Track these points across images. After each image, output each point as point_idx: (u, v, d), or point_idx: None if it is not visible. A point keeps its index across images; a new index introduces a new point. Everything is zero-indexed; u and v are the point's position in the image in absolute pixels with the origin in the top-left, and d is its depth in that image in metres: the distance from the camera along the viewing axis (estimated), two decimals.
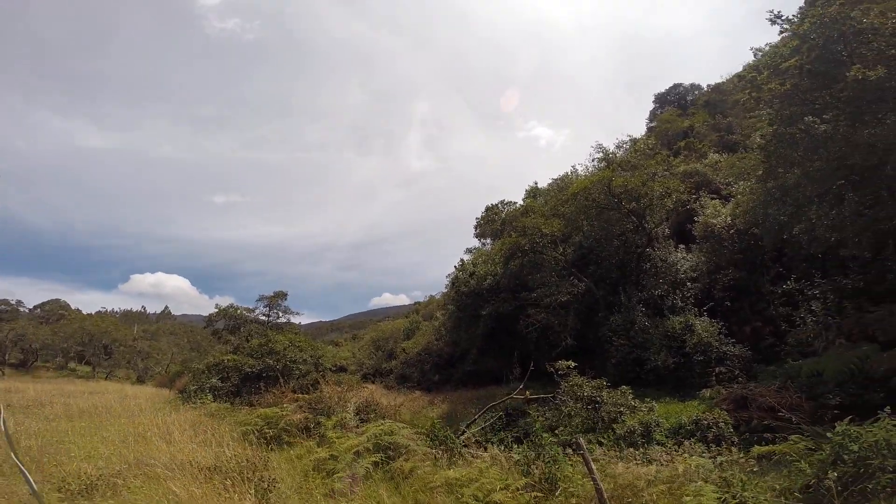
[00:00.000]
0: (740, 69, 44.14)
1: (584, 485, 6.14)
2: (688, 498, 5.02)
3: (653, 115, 52.15)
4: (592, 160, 29.76)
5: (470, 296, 27.48)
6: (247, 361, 24.29)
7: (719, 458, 7.30)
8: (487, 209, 36.60)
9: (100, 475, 7.66)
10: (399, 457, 8.51)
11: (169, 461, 8.46)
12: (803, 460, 5.93)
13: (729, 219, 20.92)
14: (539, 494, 5.99)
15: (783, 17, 12.65)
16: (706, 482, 5.91)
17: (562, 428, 13.87)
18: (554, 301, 22.41)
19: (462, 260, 30.37)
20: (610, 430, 12.11)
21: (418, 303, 51.52)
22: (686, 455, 8.09)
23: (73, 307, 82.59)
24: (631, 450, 9.11)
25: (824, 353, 14.58)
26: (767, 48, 18.55)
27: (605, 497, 5.34)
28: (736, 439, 9.18)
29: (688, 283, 21.75)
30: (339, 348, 56.16)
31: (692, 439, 10.36)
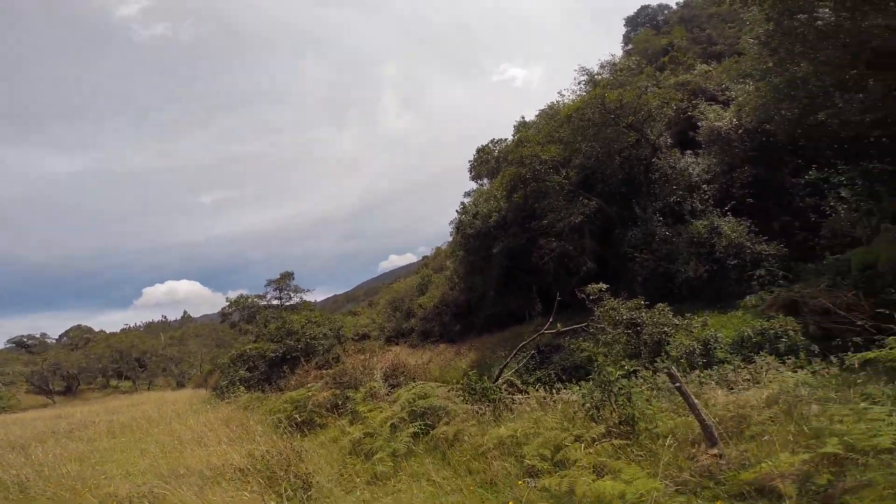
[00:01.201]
0: None
1: (671, 422, 5.14)
2: (855, 420, 3.92)
3: (626, 39, 49.25)
4: (578, 83, 28.40)
5: (478, 237, 26.28)
6: (268, 347, 23.85)
7: (805, 371, 6.32)
8: (479, 150, 34.73)
9: (129, 495, 6.96)
10: (439, 421, 7.63)
11: (204, 466, 7.77)
12: None
13: (735, 120, 19.62)
14: (622, 442, 5.00)
15: None
16: (824, 401, 4.88)
17: (602, 358, 13.01)
18: (566, 225, 21.42)
19: (463, 203, 28.91)
20: (663, 354, 11.06)
21: (426, 257, 50.53)
22: (771, 371, 7.05)
23: (96, 329, 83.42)
24: (698, 372, 8.09)
25: (871, 240, 13.36)
26: None
27: (714, 432, 4.33)
28: (816, 348, 8.06)
29: (703, 186, 20.36)
30: (359, 317, 56.21)
31: (761, 353, 9.30)
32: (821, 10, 10.93)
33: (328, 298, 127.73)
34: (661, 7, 49.28)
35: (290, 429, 9.22)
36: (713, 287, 17.60)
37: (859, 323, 11.17)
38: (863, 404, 4.06)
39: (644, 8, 50.53)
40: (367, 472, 6.37)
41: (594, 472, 4.56)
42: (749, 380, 7.19)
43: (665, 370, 4.80)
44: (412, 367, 13.77)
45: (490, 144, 34.65)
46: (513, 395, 12.90)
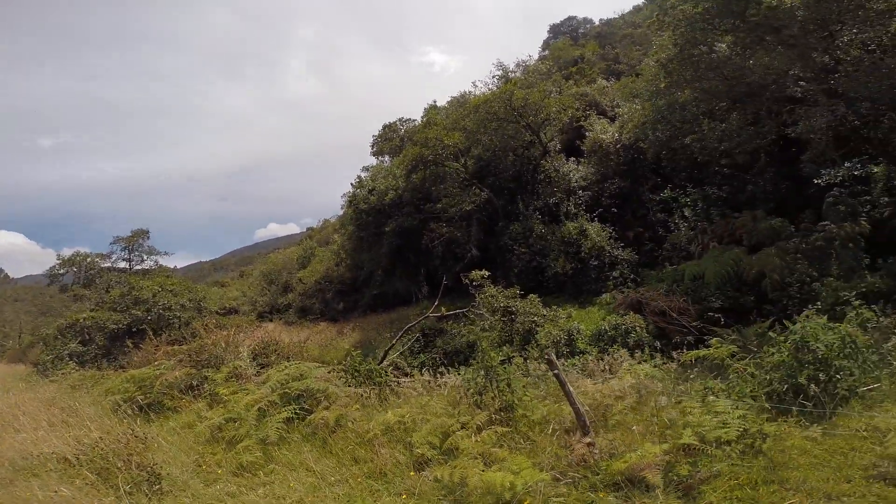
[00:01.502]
0: (630, 8, 47.84)
1: (544, 409, 5.42)
2: (695, 415, 4.45)
3: (546, 45, 52.09)
4: (493, 77, 29.45)
5: (371, 213, 25.65)
6: (109, 317, 20.28)
7: (650, 364, 7.27)
8: (385, 127, 33.79)
9: None
10: (317, 405, 7.12)
11: (17, 454, 6.22)
12: (756, 365, 5.78)
13: (616, 135, 21.92)
14: (504, 429, 5.12)
15: None
16: (668, 394, 5.58)
17: (485, 343, 13.63)
18: (458, 211, 22.27)
19: (360, 177, 27.83)
20: (532, 342, 11.91)
21: (311, 229, 47.66)
22: (625, 363, 7.93)
23: None
24: (562, 361, 8.81)
25: (701, 255, 16.01)
26: None
27: (587, 421, 4.62)
28: (658, 344, 9.37)
29: (579, 192, 22.45)
30: (226, 288, 50.83)
31: (615, 345, 10.52)
32: (718, 44, 12.65)
33: (191, 265, 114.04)
34: (585, 20, 53.54)
35: (132, 413, 7.81)
36: (576, 283, 19.67)
37: (686, 324, 13.47)
38: (711, 397, 4.71)
39: (570, 18, 54.32)
40: (230, 462, 5.64)
41: (481, 460, 4.62)
42: (606, 370, 8.10)
43: (545, 357, 5.02)
44: (287, 345, 12.77)
45: (398, 122, 33.90)
46: (398, 377, 12.82)
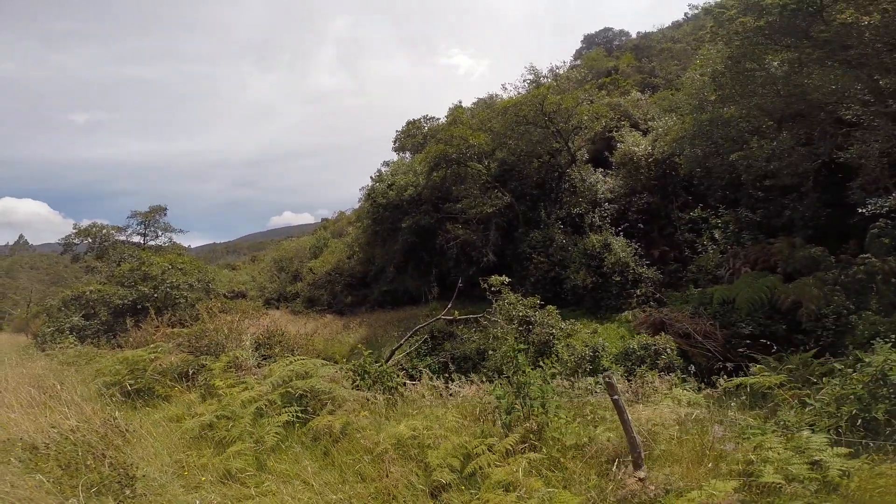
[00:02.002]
0: (668, 23, 46.66)
1: (578, 432, 4.58)
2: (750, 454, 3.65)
3: (578, 55, 51.14)
4: (524, 81, 28.70)
5: (388, 208, 24.86)
6: (116, 291, 19.71)
7: (685, 388, 6.44)
8: (409, 123, 33.16)
9: None
10: (322, 408, 6.34)
11: None
12: (815, 396, 5.03)
13: (649, 148, 21.08)
14: (536, 455, 4.29)
15: None
16: (722, 423, 4.72)
17: (492, 353, 12.76)
18: (478, 213, 21.32)
19: (380, 170, 27.15)
20: (553, 356, 11.00)
21: (326, 219, 47.14)
22: (658, 386, 7.06)
23: None
24: (591, 380, 7.93)
25: (731, 280, 15.02)
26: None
27: (641, 453, 3.81)
28: (692, 367, 8.47)
29: (605, 204, 21.54)
30: (237, 272, 50.59)
31: (643, 366, 9.62)
32: (774, 60, 11.96)
33: (205, 246, 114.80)
34: (621, 32, 52.10)
35: (117, 399, 7.11)
36: (595, 297, 18.68)
37: (711, 349, 12.50)
38: (805, 432, 3.92)
39: (605, 30, 53.03)
40: (217, 468, 4.88)
41: (513, 491, 3.81)
42: (635, 392, 7.24)
43: (605, 378, 4.20)
44: (293, 335, 12.06)
45: (422, 120, 33.23)
46: (405, 381, 11.97)
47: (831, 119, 12.72)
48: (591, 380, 8.06)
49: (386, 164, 30.36)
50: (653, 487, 3.89)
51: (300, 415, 5.96)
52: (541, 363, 11.69)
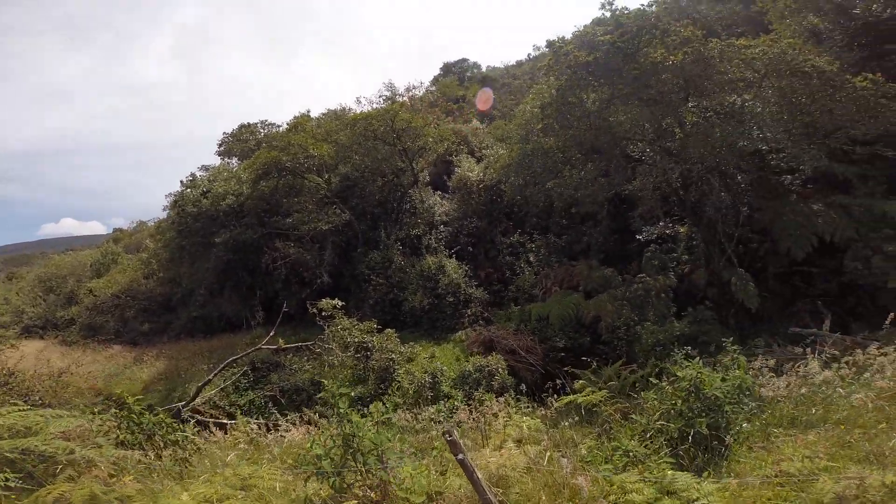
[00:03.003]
0: (512, 62, 52.34)
1: (426, 485, 3.98)
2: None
3: (435, 80, 53.65)
4: (380, 97, 28.29)
5: (200, 219, 21.03)
6: None
7: (516, 409, 6.56)
8: (241, 126, 29.11)
9: None
10: (56, 475, 4.42)
11: None
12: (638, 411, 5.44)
13: (481, 174, 22.61)
14: None
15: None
16: (566, 453, 4.71)
17: (328, 382, 11.47)
18: (312, 229, 19.72)
19: (193, 175, 22.93)
20: (394, 384, 10.32)
21: (119, 230, 38.04)
22: (503, 412, 6.99)
23: None
24: (432, 409, 7.50)
25: (544, 298, 16.90)
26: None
27: None
28: (524, 387, 8.78)
29: (441, 227, 22.30)
30: None
31: (479, 388, 9.67)
32: (587, 95, 13.32)
33: None
34: (474, 65, 55.96)
35: None
36: (431, 318, 18.91)
37: (533, 363, 13.69)
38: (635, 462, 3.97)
39: (462, 60, 56.38)
40: None
41: None
42: (478, 420, 7.12)
43: (445, 434, 3.69)
44: (33, 376, 8.75)
45: (259, 125, 29.65)
46: (218, 419, 9.88)
47: (623, 154, 14.93)
48: (432, 409, 7.63)
49: (204, 168, 26.08)
50: None
51: (11, 486, 3.95)
52: (383, 392, 10.90)
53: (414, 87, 30.91)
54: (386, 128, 20.08)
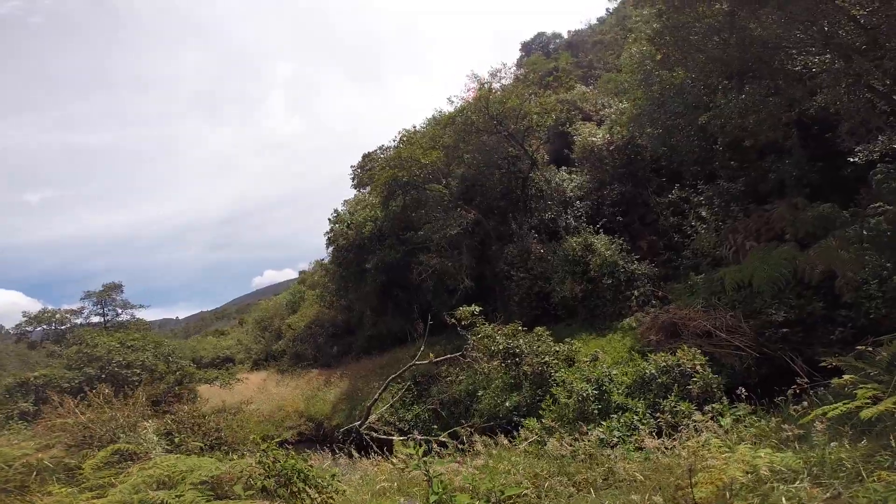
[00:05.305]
0: (594, 20, 47.15)
1: None
2: None
3: (520, 63, 51.25)
4: (468, 90, 26.71)
5: (350, 249, 22.57)
6: (63, 375, 17.56)
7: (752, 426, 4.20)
8: (364, 156, 31.34)
9: None
10: None
11: None
12: None
13: (607, 136, 19.40)
14: None
15: None
16: None
17: (482, 392, 10.40)
18: (444, 236, 18.95)
19: (336, 211, 25.07)
20: (548, 399, 8.37)
21: (303, 272, 44.68)
22: (712, 441, 4.63)
23: None
24: (598, 431, 5.55)
25: (736, 258, 12.97)
26: None
27: None
28: (742, 390, 5.98)
29: (576, 203, 19.68)
30: (223, 337, 48.22)
31: (671, 395, 7.21)
32: (703, 10, 10.01)
33: (193, 316, 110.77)
34: (554, 35, 52.51)
35: None
36: (588, 307, 16.37)
37: (742, 346, 10.14)
38: None
39: (540, 35, 53.19)
40: None
41: None
42: (669, 446, 4.85)
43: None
44: (229, 411, 9.59)
45: (377, 151, 31.48)
46: (390, 435, 9.45)
47: (783, 69, 10.98)
48: (601, 428, 5.71)
49: (344, 202, 28.42)
50: None
51: None
52: (539, 401, 9.07)
53: (498, 71, 28.57)
54: (483, 117, 18.68)
